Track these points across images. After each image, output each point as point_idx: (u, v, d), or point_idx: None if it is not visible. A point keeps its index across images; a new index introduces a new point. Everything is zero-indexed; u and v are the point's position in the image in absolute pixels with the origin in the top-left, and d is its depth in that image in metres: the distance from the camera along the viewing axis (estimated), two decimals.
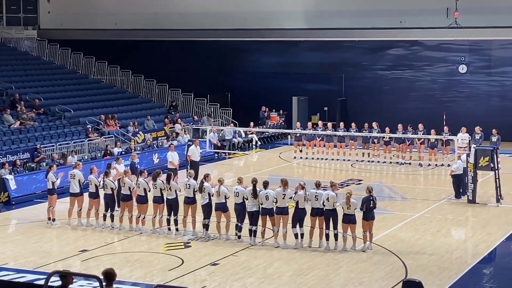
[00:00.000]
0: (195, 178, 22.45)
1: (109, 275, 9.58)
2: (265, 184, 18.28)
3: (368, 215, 17.80)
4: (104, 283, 9.53)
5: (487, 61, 37.65)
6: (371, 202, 17.77)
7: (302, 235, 18.07)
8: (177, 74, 41.22)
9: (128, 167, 22.83)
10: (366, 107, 38.54)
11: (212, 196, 18.70)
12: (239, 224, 18.54)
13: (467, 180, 23.14)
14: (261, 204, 18.15)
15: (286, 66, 41.02)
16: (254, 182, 18.25)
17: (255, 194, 18.11)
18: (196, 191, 19.10)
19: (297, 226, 18.03)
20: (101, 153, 29.24)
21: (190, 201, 19.14)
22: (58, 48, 40.97)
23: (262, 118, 38.70)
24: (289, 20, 40.15)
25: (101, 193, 20.30)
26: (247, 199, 18.27)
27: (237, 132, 35.29)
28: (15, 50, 40.16)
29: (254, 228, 18.33)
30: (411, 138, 30.14)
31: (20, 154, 26.97)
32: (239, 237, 18.55)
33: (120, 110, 35.70)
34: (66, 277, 9.76)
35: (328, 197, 17.78)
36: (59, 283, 9.77)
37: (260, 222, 18.35)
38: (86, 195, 20.55)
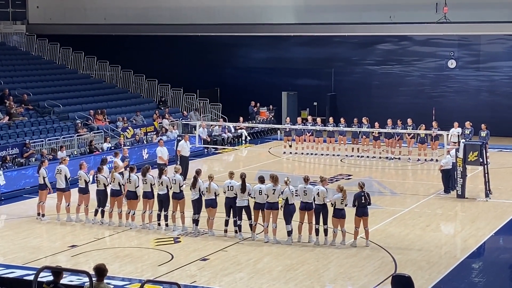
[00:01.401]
0: (185, 173, 22.45)
1: (100, 271, 9.58)
2: (262, 179, 18.27)
3: (360, 211, 17.77)
4: (94, 279, 9.52)
5: (476, 56, 37.75)
6: (363, 198, 17.73)
7: (291, 231, 18.07)
8: (166, 69, 41.15)
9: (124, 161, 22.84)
10: (355, 102, 38.57)
11: (202, 192, 18.67)
12: (229, 219, 18.55)
13: (456, 175, 23.21)
14: (254, 198, 18.16)
15: (275, 61, 41.00)
16: (243, 176, 18.27)
17: (243, 188, 18.12)
18: (182, 186, 19.11)
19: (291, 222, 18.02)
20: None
21: (178, 196, 19.12)
22: (47, 43, 40.82)
23: (252, 113, 38.69)
24: (279, 15, 40.12)
25: (92, 188, 20.26)
26: (236, 194, 18.27)
27: (226, 127, 35.27)
28: (3, 45, 39.96)
29: (240, 223, 18.36)
30: (400, 133, 30.21)
31: (9, 150, 26.88)
32: (226, 231, 18.59)
33: (109, 105, 35.59)
34: (60, 273, 9.75)
35: (318, 192, 17.78)
36: (49, 278, 9.76)
37: (245, 217, 18.38)
38: (73, 190, 20.52)
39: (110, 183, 19.82)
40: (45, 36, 41.08)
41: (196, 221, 18.92)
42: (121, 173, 20.25)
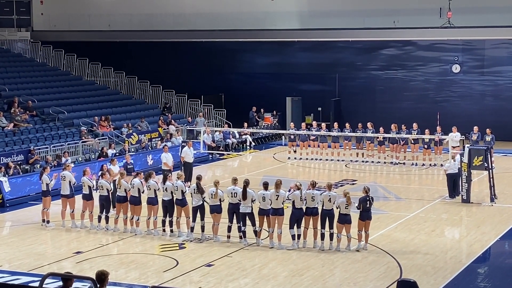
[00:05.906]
0: (189, 179, 22.41)
1: (101, 276, 9.56)
2: (266, 185, 18.28)
3: (365, 215, 17.82)
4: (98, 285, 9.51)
5: (480, 60, 37.72)
6: (368, 202, 17.80)
7: (299, 236, 18.06)
8: (171, 75, 41.19)
9: (122, 168, 22.84)
10: (360, 107, 38.57)
11: (204, 198, 18.64)
12: (232, 225, 18.53)
13: (461, 180, 23.17)
14: (259, 203, 18.16)
15: (279, 66, 41.04)
16: (245, 183, 18.25)
17: (244, 196, 18.11)
18: (185, 192, 19.07)
19: (295, 227, 18.02)
20: (95, 155, 29.22)
21: (180, 202, 19.09)
22: (51, 50, 40.91)
23: (252, 119, 38.61)
24: (283, 20, 40.17)
25: (96, 194, 20.27)
26: (239, 200, 18.26)
27: (231, 133, 35.26)
28: (8, 52, 40.08)
29: (244, 228, 18.34)
30: (405, 138, 30.19)
31: (14, 156, 26.92)
32: (229, 237, 18.57)
33: (113, 112, 35.64)
34: (70, 280, 9.72)
35: (329, 198, 17.73)
36: (57, 284, 9.74)
37: (249, 222, 18.36)
38: (77, 196, 20.54)
39: (115, 189, 19.85)
40: (49, 43, 41.18)
41: (201, 227, 18.82)
42: (114, 181, 20.32)
